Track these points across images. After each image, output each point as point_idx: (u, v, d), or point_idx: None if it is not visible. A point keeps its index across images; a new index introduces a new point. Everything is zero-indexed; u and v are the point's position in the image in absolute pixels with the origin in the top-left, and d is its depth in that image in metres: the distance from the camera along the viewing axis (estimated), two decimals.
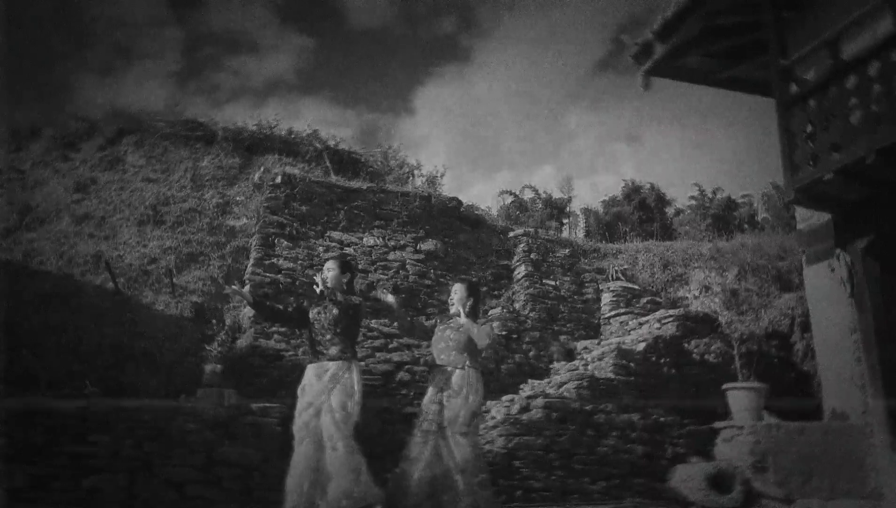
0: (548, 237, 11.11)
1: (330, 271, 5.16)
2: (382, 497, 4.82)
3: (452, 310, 5.40)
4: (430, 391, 5.16)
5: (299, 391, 4.95)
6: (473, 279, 6.63)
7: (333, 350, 4.92)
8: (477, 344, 5.19)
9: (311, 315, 5.07)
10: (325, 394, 4.79)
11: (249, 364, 7.18)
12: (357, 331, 5.23)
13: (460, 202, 10.60)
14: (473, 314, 5.34)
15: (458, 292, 5.40)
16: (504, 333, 9.01)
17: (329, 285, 5.05)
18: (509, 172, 46.58)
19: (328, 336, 4.97)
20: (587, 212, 20.64)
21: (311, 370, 4.97)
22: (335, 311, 4.96)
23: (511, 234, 10.74)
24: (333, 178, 10.21)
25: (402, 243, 9.56)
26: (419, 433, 5.05)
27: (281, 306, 5.60)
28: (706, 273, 9.40)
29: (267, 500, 4.94)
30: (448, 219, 10.20)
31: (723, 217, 19.27)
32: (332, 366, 4.88)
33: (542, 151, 49.59)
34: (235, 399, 5.97)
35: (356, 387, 4.87)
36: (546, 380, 8.37)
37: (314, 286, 5.04)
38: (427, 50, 50.32)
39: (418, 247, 9.64)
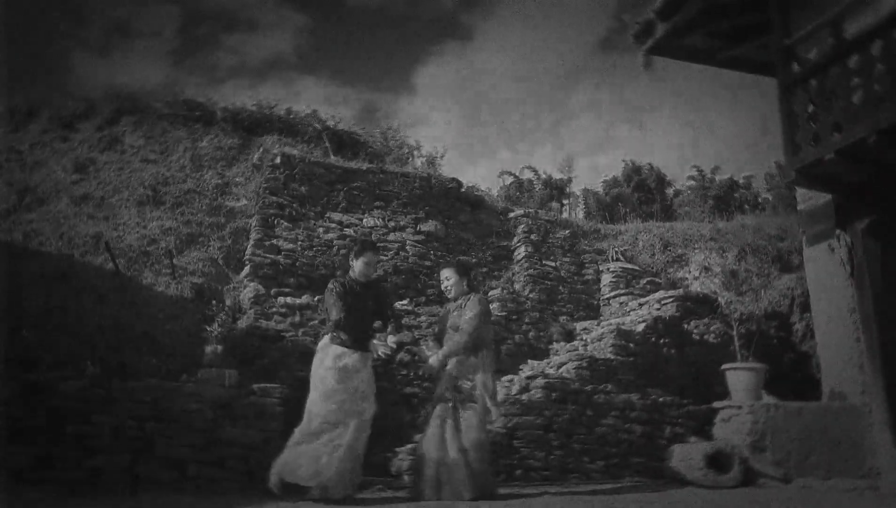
0: (548, 218, 11.07)
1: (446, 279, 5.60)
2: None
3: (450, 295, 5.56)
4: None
5: (341, 372, 5.00)
6: (461, 258, 6.64)
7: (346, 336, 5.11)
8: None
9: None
10: (369, 384, 5.14)
11: (250, 345, 7.20)
12: (369, 320, 5.43)
13: (460, 183, 10.56)
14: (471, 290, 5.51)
15: (448, 277, 5.62)
16: (504, 314, 9.02)
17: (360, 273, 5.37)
18: (510, 152, 46.49)
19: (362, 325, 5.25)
20: (587, 193, 20.62)
21: (356, 357, 5.09)
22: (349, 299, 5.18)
23: (511, 215, 10.71)
24: (333, 158, 10.16)
25: (402, 223, 9.54)
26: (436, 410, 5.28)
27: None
28: (706, 254, 9.39)
29: (267, 480, 4.97)
30: (448, 200, 10.16)
31: (724, 198, 19.22)
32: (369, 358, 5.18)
33: (542, 130, 49.41)
34: (236, 380, 5.99)
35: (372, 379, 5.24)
36: (546, 361, 8.39)
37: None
38: (428, 28, 49.94)
39: (418, 228, 9.62)
